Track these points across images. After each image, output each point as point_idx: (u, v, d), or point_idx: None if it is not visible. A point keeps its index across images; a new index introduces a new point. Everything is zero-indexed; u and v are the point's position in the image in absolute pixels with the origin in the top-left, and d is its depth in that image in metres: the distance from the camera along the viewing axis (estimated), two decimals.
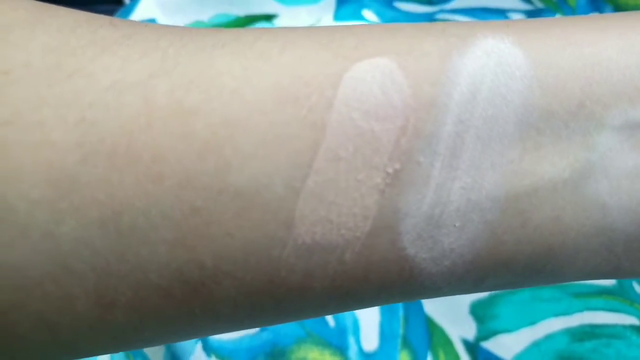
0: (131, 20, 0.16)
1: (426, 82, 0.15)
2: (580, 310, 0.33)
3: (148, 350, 0.34)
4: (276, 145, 0.14)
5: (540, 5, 0.39)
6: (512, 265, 0.16)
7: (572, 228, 0.16)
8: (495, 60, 0.15)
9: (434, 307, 0.35)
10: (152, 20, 0.42)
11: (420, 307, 0.35)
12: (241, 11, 0.43)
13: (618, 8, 0.36)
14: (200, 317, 0.15)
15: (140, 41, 0.15)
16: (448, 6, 0.41)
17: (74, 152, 0.14)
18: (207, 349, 0.33)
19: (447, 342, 0.34)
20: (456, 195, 0.15)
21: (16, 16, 0.15)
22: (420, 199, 0.15)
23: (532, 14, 0.39)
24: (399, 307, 0.35)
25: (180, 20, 0.43)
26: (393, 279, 0.15)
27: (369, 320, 0.35)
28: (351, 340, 0.34)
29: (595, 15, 0.17)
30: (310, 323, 0.34)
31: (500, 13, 0.40)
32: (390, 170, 0.15)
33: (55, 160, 0.14)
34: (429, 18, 0.41)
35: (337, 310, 0.17)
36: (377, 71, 0.15)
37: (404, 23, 0.17)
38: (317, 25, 0.33)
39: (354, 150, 0.15)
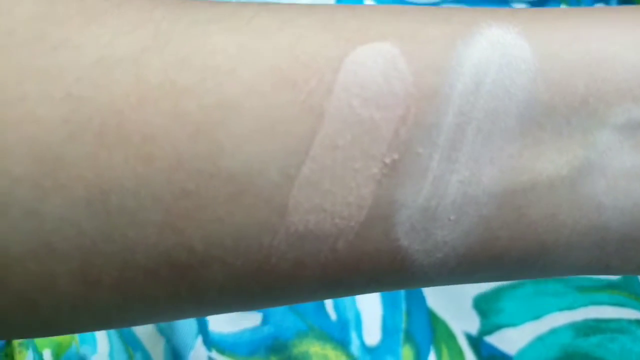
0: None
1: (429, 71, 0.15)
2: (585, 305, 0.33)
3: (147, 344, 0.33)
4: (272, 130, 0.14)
5: None
6: (505, 260, 0.16)
7: (567, 226, 0.16)
8: (500, 52, 0.15)
9: (437, 301, 0.35)
10: None
11: (423, 301, 0.35)
12: None
13: (624, 0, 0.36)
14: (185, 300, 0.15)
15: (131, 11, 0.15)
16: None
17: (60, 128, 0.14)
18: (208, 342, 0.33)
19: (450, 337, 0.34)
20: (453, 189, 0.15)
21: None
22: (417, 190, 0.15)
23: (536, 4, 0.38)
24: (402, 301, 0.35)
25: None
26: (384, 269, 0.15)
27: (371, 314, 0.34)
28: (353, 335, 0.34)
29: (605, 8, 0.16)
30: (311, 317, 0.34)
31: (504, 3, 0.39)
32: (388, 160, 0.14)
33: (40, 136, 0.14)
34: None
35: (326, 297, 0.16)
36: (380, 56, 0.15)
37: (408, 6, 0.16)
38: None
39: (352, 139, 0.14)
